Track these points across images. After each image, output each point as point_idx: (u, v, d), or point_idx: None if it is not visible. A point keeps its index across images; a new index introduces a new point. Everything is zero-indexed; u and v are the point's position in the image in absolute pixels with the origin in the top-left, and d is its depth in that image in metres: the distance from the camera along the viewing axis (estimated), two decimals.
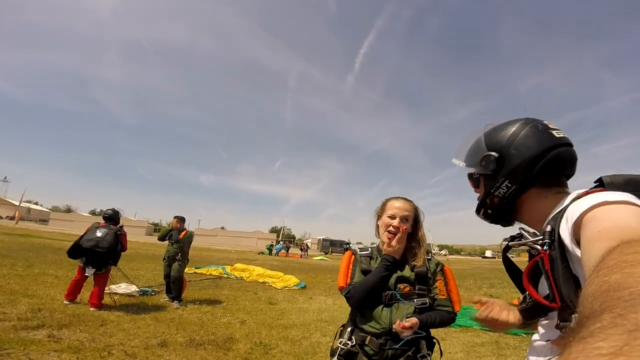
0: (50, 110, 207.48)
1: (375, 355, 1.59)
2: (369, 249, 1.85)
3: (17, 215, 38.38)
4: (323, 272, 15.55)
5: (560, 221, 0.77)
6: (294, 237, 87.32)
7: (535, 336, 0.91)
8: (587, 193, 0.79)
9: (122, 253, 5.91)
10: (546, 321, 0.88)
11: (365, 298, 1.64)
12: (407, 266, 1.72)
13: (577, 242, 0.70)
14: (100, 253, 5.38)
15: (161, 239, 7.20)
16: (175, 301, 6.40)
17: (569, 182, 0.96)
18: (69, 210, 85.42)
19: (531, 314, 0.89)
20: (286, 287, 10.00)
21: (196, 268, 12.02)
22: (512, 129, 0.97)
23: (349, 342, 1.65)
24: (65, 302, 5.53)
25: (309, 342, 4.83)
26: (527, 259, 0.90)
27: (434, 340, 1.71)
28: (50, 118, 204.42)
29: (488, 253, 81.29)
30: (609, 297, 0.33)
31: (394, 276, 1.68)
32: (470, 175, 1.07)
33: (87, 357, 3.51)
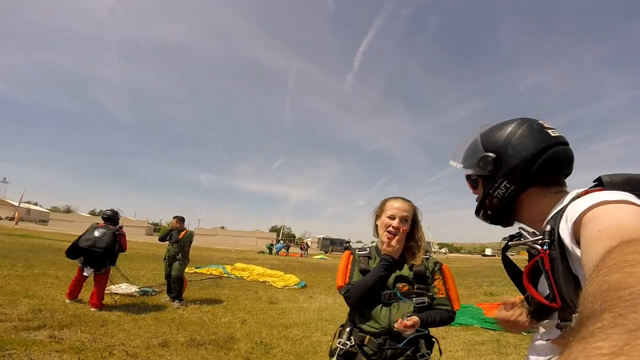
0: (49, 110, 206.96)
1: (374, 355, 1.60)
2: (368, 249, 1.86)
3: (16, 216, 38.36)
4: (323, 271, 15.56)
5: (559, 221, 0.77)
6: (294, 236, 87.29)
7: (536, 335, 0.91)
8: (586, 192, 0.79)
9: (123, 253, 5.91)
10: (547, 320, 0.88)
11: (364, 297, 1.65)
12: (405, 265, 1.73)
13: (577, 242, 0.70)
14: (97, 253, 5.39)
15: (162, 239, 7.22)
16: (176, 301, 6.41)
17: (568, 179, 0.96)
18: (68, 211, 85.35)
19: (538, 315, 0.88)
20: (286, 286, 10.01)
21: (196, 268, 12.02)
22: (508, 129, 0.97)
23: (347, 342, 1.66)
24: (67, 300, 5.58)
25: (309, 341, 4.84)
26: (526, 256, 0.90)
27: (433, 340, 1.72)
28: (49, 118, 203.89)
29: (488, 251, 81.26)
30: (610, 296, 0.33)
31: (393, 275, 1.69)
32: (468, 177, 1.07)
33: (89, 357, 3.51)
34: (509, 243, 0.97)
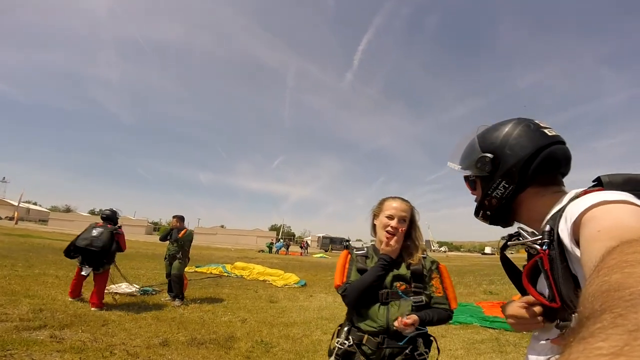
0: (48, 110, 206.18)
1: (372, 355, 1.61)
2: (365, 248, 1.88)
3: (16, 215, 38.32)
4: (323, 270, 15.56)
5: (559, 221, 0.77)
6: (294, 235, 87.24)
7: (535, 335, 0.91)
8: (585, 192, 0.79)
9: (123, 253, 5.92)
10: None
11: (362, 296, 1.67)
12: (403, 264, 1.75)
13: (576, 242, 0.69)
14: (93, 252, 5.40)
15: (162, 239, 7.25)
16: (177, 299, 6.42)
17: (568, 177, 0.96)
18: (68, 210, 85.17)
19: (546, 316, 0.85)
20: (286, 285, 10.01)
21: (196, 267, 12.03)
22: (505, 129, 0.97)
23: (346, 341, 1.67)
24: (69, 299, 5.61)
25: (309, 340, 4.85)
26: (525, 254, 0.90)
27: (431, 338, 1.73)
28: (49, 118, 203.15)
29: (487, 249, 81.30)
30: (610, 297, 0.33)
31: (391, 274, 1.71)
32: (466, 178, 1.07)
33: (90, 357, 3.52)
34: (508, 243, 0.97)
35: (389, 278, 1.70)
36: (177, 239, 6.75)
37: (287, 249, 36.50)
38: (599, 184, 0.82)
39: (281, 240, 41.26)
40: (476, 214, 1.04)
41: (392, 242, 1.71)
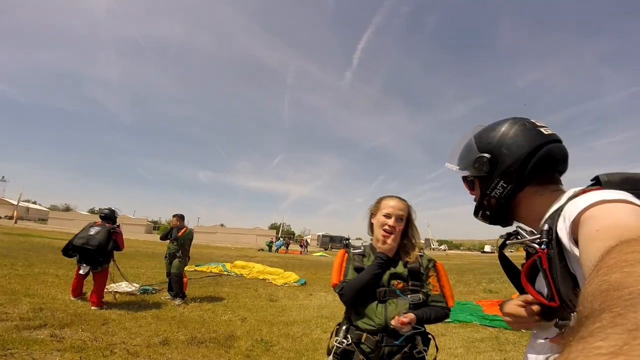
0: (48, 110, 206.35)
1: (371, 353, 1.61)
2: (362, 247, 1.89)
3: (15, 214, 38.30)
4: (323, 268, 15.59)
5: (557, 220, 0.77)
6: (294, 234, 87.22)
7: (534, 334, 0.91)
8: (584, 191, 0.79)
9: (123, 252, 5.92)
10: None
11: (359, 295, 1.67)
12: (400, 263, 1.76)
13: (575, 241, 0.69)
14: (90, 250, 5.41)
15: (163, 238, 7.27)
16: (178, 298, 6.43)
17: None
18: (67, 209, 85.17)
19: (545, 315, 0.85)
20: (286, 283, 10.02)
21: (196, 266, 12.03)
22: (501, 128, 0.97)
23: (344, 340, 1.67)
24: (72, 298, 5.64)
25: (309, 338, 4.86)
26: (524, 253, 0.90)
27: (429, 336, 1.74)
28: (48, 118, 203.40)
29: (487, 248, 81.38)
30: (609, 296, 0.33)
31: (388, 273, 1.72)
32: (464, 178, 1.08)
33: (90, 356, 3.52)
34: (507, 241, 0.97)
35: (386, 276, 1.71)
36: (177, 237, 6.76)
37: (287, 247, 36.51)
38: (597, 182, 0.82)
39: (281, 239, 41.31)
40: (475, 214, 1.04)
41: (389, 241, 1.72)
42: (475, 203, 1.04)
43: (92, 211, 72.55)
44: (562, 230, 0.74)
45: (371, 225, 1.86)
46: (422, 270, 1.75)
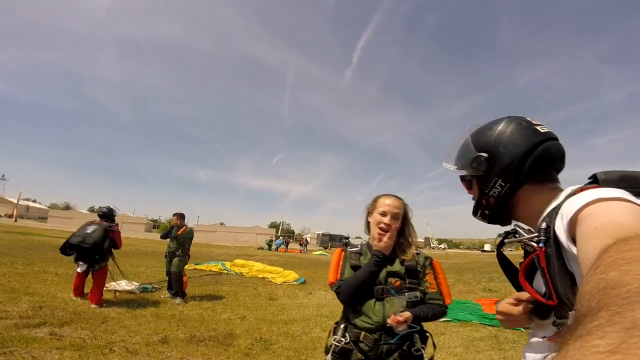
0: (48, 109, 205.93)
1: (370, 351, 1.61)
2: (359, 246, 1.90)
3: (14, 213, 38.34)
4: (322, 267, 15.59)
5: (555, 218, 0.77)
6: (293, 232, 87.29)
7: (532, 332, 0.91)
8: (581, 190, 0.79)
9: (123, 250, 5.94)
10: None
11: (356, 293, 1.68)
12: (397, 260, 1.76)
13: (573, 239, 0.69)
14: (86, 249, 5.43)
15: (163, 236, 7.28)
16: (178, 297, 6.43)
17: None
18: (67, 208, 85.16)
19: (539, 313, 0.86)
20: (286, 282, 10.04)
21: (196, 264, 12.05)
22: (498, 127, 0.97)
23: (342, 339, 1.67)
24: (73, 297, 5.65)
25: (309, 337, 4.86)
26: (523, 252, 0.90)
27: (427, 334, 1.75)
28: (49, 117, 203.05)
29: (487, 247, 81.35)
30: (606, 294, 0.33)
31: (385, 271, 1.72)
32: (462, 178, 1.08)
33: (89, 354, 3.52)
34: (505, 240, 0.98)
35: (383, 274, 1.71)
36: (177, 236, 6.77)
37: (287, 246, 36.61)
38: (595, 181, 0.82)
39: (280, 238, 41.43)
40: (474, 213, 1.04)
41: (385, 239, 1.72)
42: (474, 202, 1.04)
43: (92, 210, 72.63)
44: (560, 228, 0.74)
45: (368, 223, 1.87)
46: (419, 268, 1.76)
